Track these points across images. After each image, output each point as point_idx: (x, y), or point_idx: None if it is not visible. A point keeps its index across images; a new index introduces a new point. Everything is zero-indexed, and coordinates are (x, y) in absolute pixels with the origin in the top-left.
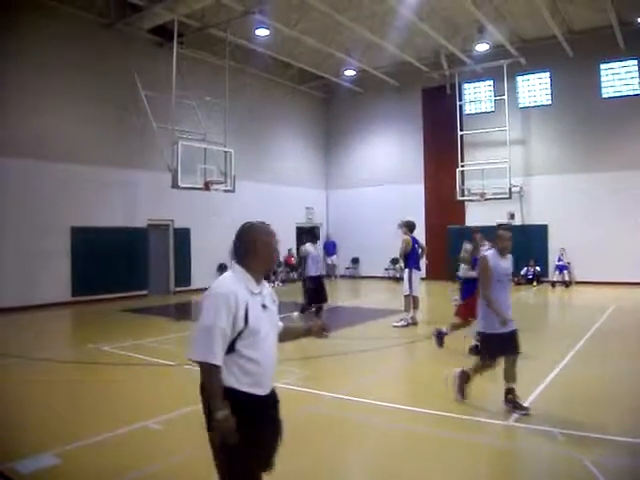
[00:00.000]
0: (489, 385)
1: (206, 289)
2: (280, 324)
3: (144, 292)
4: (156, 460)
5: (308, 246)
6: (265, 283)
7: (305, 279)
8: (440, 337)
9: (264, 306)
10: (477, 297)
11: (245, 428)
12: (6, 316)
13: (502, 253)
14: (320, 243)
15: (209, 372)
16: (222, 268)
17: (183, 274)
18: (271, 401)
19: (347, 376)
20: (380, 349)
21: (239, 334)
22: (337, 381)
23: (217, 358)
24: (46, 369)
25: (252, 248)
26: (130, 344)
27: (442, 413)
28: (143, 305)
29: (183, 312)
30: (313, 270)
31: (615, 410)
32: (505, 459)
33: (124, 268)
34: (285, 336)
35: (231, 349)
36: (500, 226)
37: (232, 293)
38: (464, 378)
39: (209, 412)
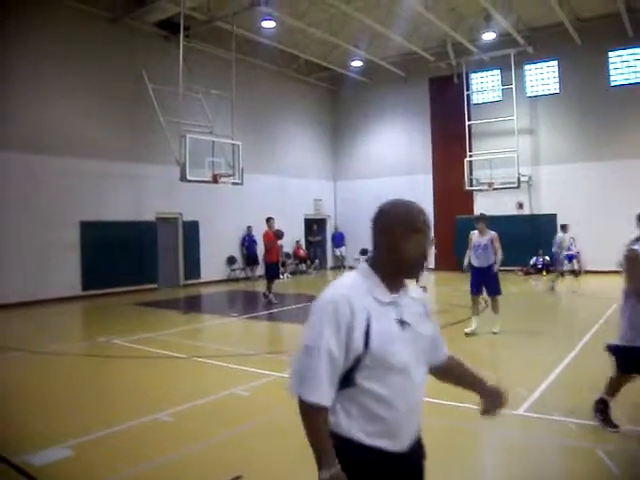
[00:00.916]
0: (496, 373)
1: (215, 282)
2: (441, 353)
3: (154, 285)
4: (168, 452)
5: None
6: (411, 289)
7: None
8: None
9: (402, 322)
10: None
11: None
12: (17, 310)
13: None
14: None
15: (308, 413)
16: (231, 260)
17: (192, 267)
18: (412, 460)
19: None
20: None
21: (357, 361)
22: None
23: (321, 394)
24: (57, 362)
25: (387, 241)
26: (141, 337)
27: (450, 403)
28: (153, 298)
29: (192, 305)
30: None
31: (628, 400)
32: (517, 448)
33: (134, 262)
34: (448, 374)
35: (348, 382)
36: None
37: (345, 301)
38: (603, 407)
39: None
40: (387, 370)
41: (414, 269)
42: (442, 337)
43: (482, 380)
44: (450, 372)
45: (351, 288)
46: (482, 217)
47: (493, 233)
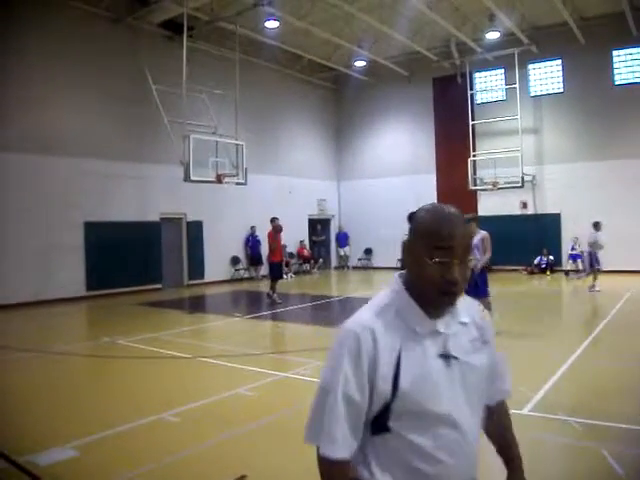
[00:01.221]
0: None
1: (219, 282)
2: (496, 391)
3: (158, 285)
4: (173, 452)
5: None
6: (461, 310)
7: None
8: None
9: (446, 357)
10: None
11: None
12: (21, 311)
13: None
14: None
15: (326, 470)
16: (235, 260)
17: (196, 267)
18: None
19: None
20: None
21: (386, 407)
22: None
23: (337, 445)
24: (62, 362)
25: (410, 256)
26: (145, 337)
27: None
28: (157, 298)
29: (196, 305)
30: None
31: (633, 399)
32: (520, 447)
33: (138, 262)
34: (491, 423)
35: (381, 427)
36: None
37: (367, 332)
38: None
39: None
40: (427, 418)
41: (439, 296)
42: (506, 371)
43: (517, 459)
44: (494, 422)
45: (378, 315)
46: (473, 217)
47: (484, 233)
